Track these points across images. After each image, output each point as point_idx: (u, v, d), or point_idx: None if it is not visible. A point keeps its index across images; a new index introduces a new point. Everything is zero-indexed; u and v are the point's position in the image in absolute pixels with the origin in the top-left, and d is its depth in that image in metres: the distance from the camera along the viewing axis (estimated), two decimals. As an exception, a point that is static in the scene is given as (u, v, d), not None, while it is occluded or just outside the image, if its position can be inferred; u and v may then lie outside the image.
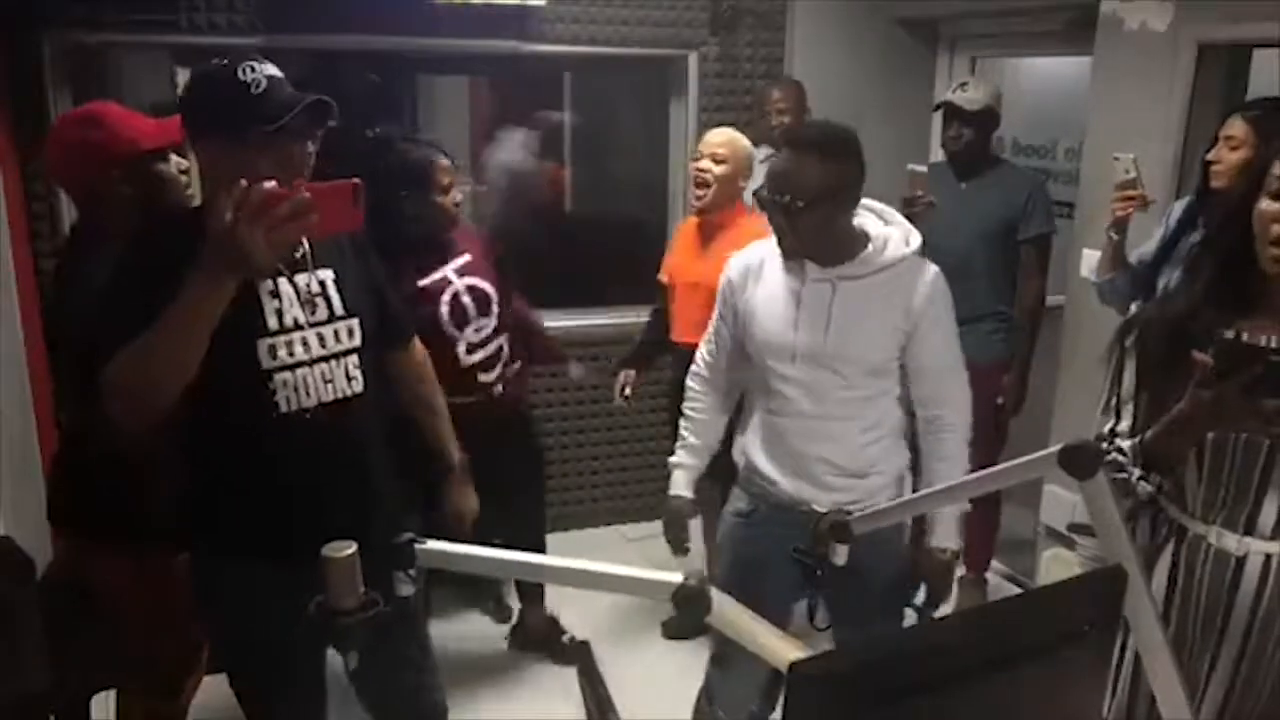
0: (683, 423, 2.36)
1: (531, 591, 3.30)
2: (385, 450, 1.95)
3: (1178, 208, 2.68)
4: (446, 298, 2.75)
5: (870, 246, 2.05)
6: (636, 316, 3.40)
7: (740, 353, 2.19)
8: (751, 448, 2.19)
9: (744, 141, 3.04)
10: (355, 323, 1.83)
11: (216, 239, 1.45)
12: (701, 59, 3.92)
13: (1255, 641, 1.58)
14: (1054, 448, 1.36)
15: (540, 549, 3.14)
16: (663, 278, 3.25)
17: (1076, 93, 3.50)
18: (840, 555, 1.75)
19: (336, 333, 1.80)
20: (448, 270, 2.78)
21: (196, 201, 2.05)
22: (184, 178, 2.17)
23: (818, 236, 2.01)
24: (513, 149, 4.67)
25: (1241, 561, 1.57)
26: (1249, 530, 1.56)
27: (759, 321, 2.11)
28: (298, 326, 1.75)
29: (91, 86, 3.30)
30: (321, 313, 1.78)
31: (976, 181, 3.32)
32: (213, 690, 2.28)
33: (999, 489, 2.87)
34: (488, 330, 2.84)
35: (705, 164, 2.97)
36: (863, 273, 2.03)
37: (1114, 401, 1.67)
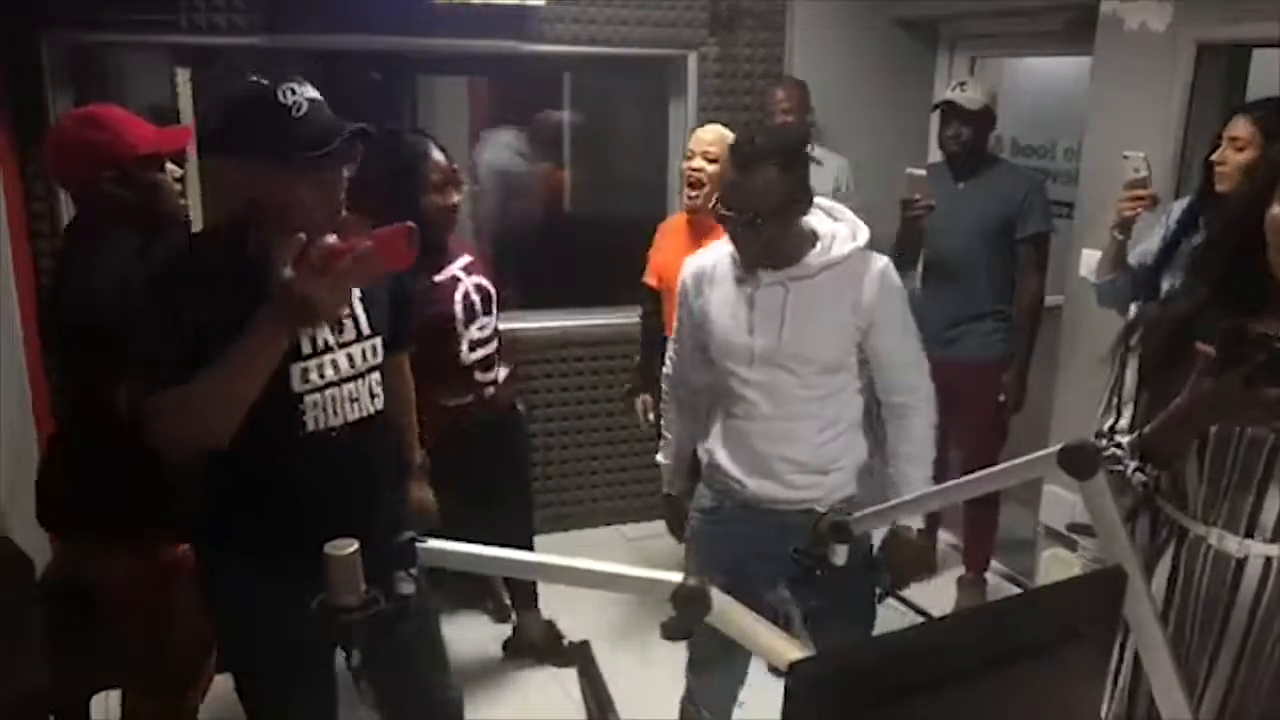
0: (662, 421, 2.42)
1: (525, 596, 3.28)
2: (393, 457, 1.96)
3: (1176, 208, 2.67)
4: (459, 295, 2.75)
5: (818, 245, 2.05)
6: (636, 317, 3.39)
7: (701, 354, 2.20)
8: (715, 448, 2.19)
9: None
10: (379, 341, 1.84)
11: (282, 296, 1.47)
12: (701, 59, 3.92)
13: (1255, 642, 1.58)
14: (1053, 448, 1.37)
15: (528, 549, 3.12)
16: (650, 280, 3.22)
17: (1076, 93, 3.50)
18: (840, 555, 1.75)
19: (364, 352, 1.81)
20: (455, 268, 2.78)
21: (190, 209, 2.06)
22: (178, 185, 2.19)
23: (780, 243, 2.02)
24: (497, 150, 4.67)
25: (1242, 564, 1.56)
26: (1250, 532, 1.55)
27: (716, 326, 2.12)
28: (328, 348, 1.75)
29: (91, 87, 3.30)
30: (350, 333, 1.79)
31: (974, 181, 3.33)
32: (223, 690, 2.27)
33: (999, 489, 2.87)
34: (489, 329, 2.85)
35: (698, 163, 2.96)
36: (812, 271, 2.03)
37: (1115, 400, 1.66)
